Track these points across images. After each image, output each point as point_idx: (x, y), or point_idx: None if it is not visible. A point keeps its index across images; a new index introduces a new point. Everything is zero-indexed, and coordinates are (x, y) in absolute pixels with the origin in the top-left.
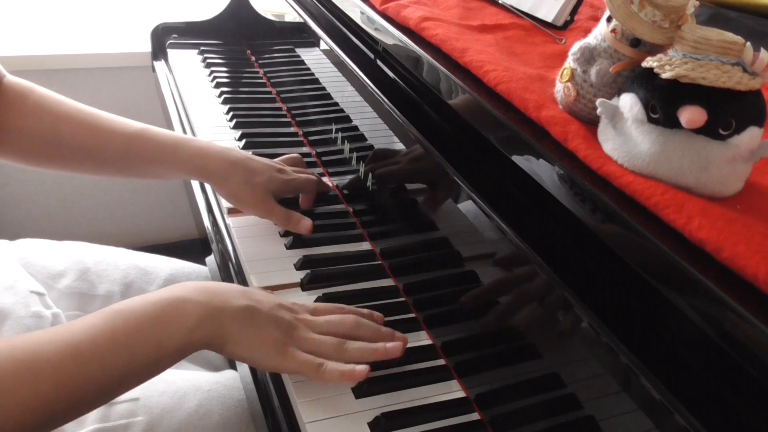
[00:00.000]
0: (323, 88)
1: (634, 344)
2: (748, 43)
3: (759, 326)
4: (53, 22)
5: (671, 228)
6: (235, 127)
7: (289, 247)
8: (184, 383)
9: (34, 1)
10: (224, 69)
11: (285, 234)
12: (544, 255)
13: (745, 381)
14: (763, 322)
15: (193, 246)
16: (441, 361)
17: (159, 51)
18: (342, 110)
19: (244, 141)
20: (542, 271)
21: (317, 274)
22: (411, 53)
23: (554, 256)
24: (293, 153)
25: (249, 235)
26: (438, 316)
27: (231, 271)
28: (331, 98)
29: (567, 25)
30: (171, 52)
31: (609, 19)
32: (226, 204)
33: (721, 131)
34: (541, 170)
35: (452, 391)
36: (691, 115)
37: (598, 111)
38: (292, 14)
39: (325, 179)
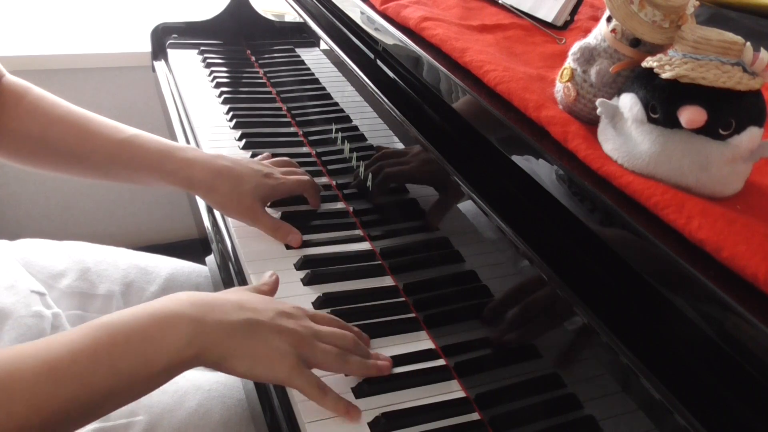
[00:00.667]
0: (323, 88)
1: (634, 344)
2: (748, 43)
3: (759, 326)
4: (53, 22)
5: (671, 228)
6: (235, 127)
7: (289, 246)
8: (185, 382)
9: (34, 1)
10: (224, 69)
11: None
12: (543, 255)
13: (745, 381)
14: (763, 322)
15: (193, 246)
16: (441, 361)
17: (159, 51)
18: (342, 110)
19: (244, 141)
20: (542, 271)
21: (317, 274)
22: (411, 53)
23: (554, 256)
24: (293, 153)
25: (249, 234)
26: (438, 315)
27: (231, 270)
28: (331, 98)
29: (567, 25)
30: (171, 52)
31: (609, 19)
32: None
33: (721, 131)
34: (541, 170)
35: (452, 391)
36: (691, 115)
37: (598, 111)
38: (292, 14)
39: (325, 179)
